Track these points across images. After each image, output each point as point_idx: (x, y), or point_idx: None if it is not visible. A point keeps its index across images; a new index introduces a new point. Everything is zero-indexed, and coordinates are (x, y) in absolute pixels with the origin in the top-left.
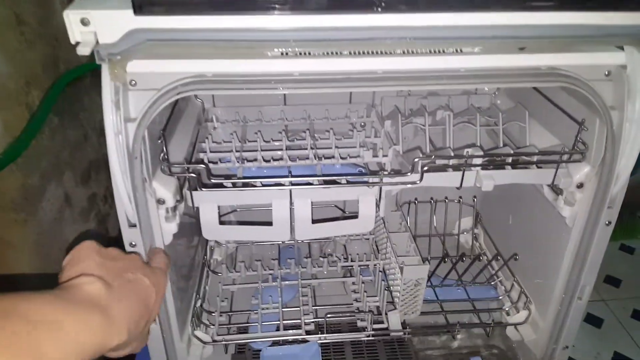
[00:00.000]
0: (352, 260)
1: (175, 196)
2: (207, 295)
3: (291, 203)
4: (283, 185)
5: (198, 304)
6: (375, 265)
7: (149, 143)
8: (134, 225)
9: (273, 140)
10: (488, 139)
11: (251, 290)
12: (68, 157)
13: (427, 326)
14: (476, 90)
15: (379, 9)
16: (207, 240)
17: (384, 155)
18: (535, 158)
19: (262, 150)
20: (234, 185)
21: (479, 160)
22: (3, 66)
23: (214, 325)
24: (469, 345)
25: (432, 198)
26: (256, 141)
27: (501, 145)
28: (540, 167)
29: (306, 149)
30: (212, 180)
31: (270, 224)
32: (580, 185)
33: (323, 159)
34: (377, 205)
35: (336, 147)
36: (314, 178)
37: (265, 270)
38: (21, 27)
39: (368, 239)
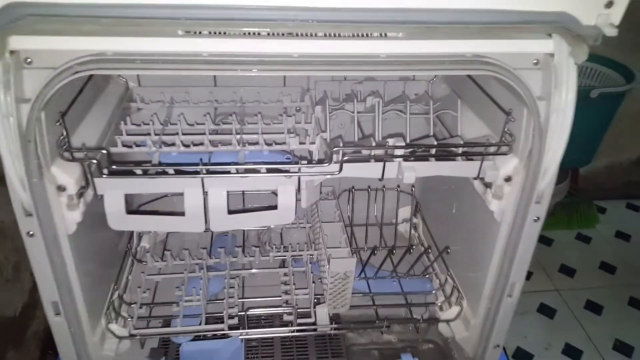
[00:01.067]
0: (285, 250)
1: (78, 182)
2: (129, 285)
3: (206, 192)
4: (197, 173)
5: (115, 296)
6: (308, 256)
7: (47, 126)
8: (30, 214)
9: (198, 124)
10: (424, 128)
11: (177, 281)
12: None
13: (355, 321)
14: (414, 76)
15: None
16: None
17: (311, 143)
18: (460, 150)
19: (183, 134)
20: (144, 172)
21: (400, 151)
22: None
23: (132, 318)
24: (405, 339)
25: (369, 186)
26: (177, 124)
27: (431, 134)
28: (470, 159)
29: (231, 133)
30: (115, 167)
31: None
32: (508, 179)
33: (247, 145)
34: (299, 195)
35: (263, 132)
36: (230, 166)
37: (193, 259)
38: None
39: (305, 227)
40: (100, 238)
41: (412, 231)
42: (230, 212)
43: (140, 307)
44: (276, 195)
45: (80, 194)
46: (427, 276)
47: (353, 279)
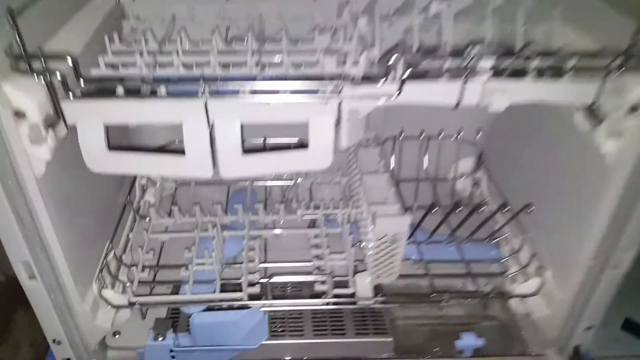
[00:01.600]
0: (316, 208)
1: (43, 108)
2: (129, 245)
3: (209, 124)
4: (198, 94)
5: (111, 256)
6: (344, 214)
7: None
8: None
9: (203, 43)
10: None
11: (187, 242)
12: None
13: (406, 294)
14: None
15: None
16: (135, 177)
17: (354, 63)
18: (571, 63)
19: (184, 54)
20: (127, 92)
21: (488, 64)
22: None
23: (131, 283)
24: (459, 315)
25: (422, 131)
26: (176, 42)
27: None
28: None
29: (246, 53)
30: (88, 85)
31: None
32: (634, 108)
33: (268, 67)
34: (338, 130)
35: (288, 52)
36: (245, 87)
37: (206, 216)
38: None
39: (339, 182)
40: (88, 186)
41: (474, 188)
42: (245, 152)
43: (142, 270)
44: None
45: (50, 125)
46: (494, 242)
47: (404, 243)
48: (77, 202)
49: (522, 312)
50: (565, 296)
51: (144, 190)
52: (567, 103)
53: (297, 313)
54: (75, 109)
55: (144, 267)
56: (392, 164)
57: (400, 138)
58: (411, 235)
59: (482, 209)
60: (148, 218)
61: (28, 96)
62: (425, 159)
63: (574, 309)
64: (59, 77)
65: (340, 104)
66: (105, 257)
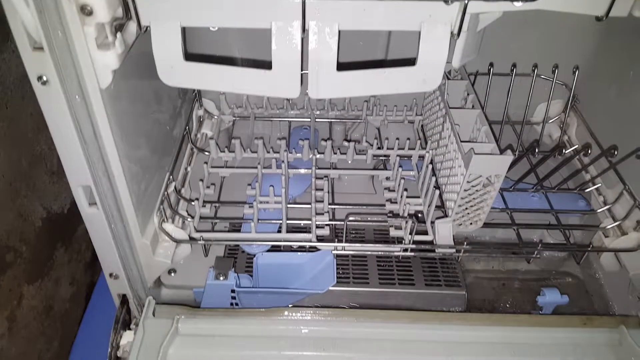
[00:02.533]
0: (389, 149)
1: (111, 5)
2: (187, 179)
3: (305, 29)
4: None
5: (172, 189)
6: (421, 156)
7: None
8: (40, 48)
9: None
10: None
11: (248, 178)
12: None
13: (491, 243)
14: None
15: None
16: (192, 108)
17: None
18: None
19: None
20: None
21: None
22: None
23: (192, 218)
24: (533, 269)
25: (514, 65)
26: None
27: None
28: None
29: None
30: None
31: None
32: None
33: None
34: (451, 45)
35: None
36: None
37: (269, 152)
38: None
39: (413, 121)
40: (149, 110)
41: (564, 133)
42: (340, 67)
43: (204, 206)
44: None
45: (117, 27)
46: (585, 191)
47: (498, 187)
48: (139, 124)
49: (614, 270)
50: None
51: (200, 123)
52: None
53: (360, 260)
54: (150, 7)
55: (204, 203)
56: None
57: (490, 71)
58: None
59: (573, 154)
60: (207, 152)
61: None
62: (507, 99)
63: None
64: None
65: (466, 5)
66: (165, 189)
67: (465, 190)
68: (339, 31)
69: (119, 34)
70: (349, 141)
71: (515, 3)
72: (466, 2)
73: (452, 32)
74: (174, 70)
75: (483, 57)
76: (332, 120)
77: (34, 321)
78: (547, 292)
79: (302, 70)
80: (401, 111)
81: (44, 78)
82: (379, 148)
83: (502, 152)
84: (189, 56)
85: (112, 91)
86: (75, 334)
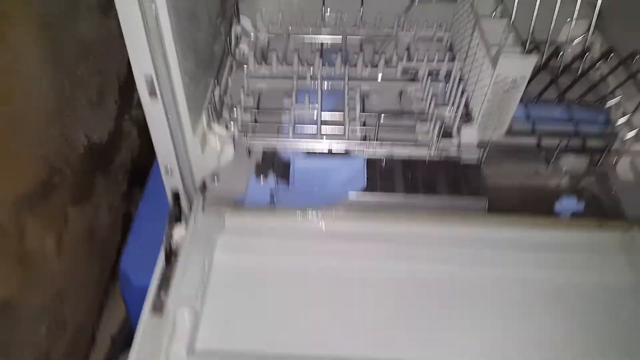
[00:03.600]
0: (418, 60)
1: None
2: (229, 89)
3: None
4: None
5: (217, 94)
6: (449, 69)
7: None
8: None
9: None
10: None
11: (284, 91)
12: None
13: (513, 148)
14: None
15: None
16: (231, 25)
17: None
18: None
19: None
20: None
21: None
22: None
23: (235, 122)
24: (556, 182)
25: None
26: None
27: None
28: None
29: None
30: None
31: None
32: None
33: None
34: None
35: None
36: None
37: (303, 65)
38: None
39: (442, 39)
40: (195, 19)
41: (588, 51)
42: None
43: (245, 112)
44: None
45: None
46: (606, 107)
47: (522, 90)
48: (190, 28)
49: (629, 180)
50: None
51: (238, 39)
52: None
53: (389, 169)
54: None
55: (245, 109)
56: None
57: None
58: None
59: (593, 63)
60: (245, 64)
61: None
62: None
63: None
64: None
65: None
66: (212, 92)
67: (493, 92)
68: None
69: None
70: (379, 54)
71: None
72: None
73: None
74: None
75: None
76: (363, 38)
77: (78, 244)
78: (565, 199)
79: None
80: (431, 27)
81: None
82: (409, 61)
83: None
84: None
85: None
86: (115, 260)
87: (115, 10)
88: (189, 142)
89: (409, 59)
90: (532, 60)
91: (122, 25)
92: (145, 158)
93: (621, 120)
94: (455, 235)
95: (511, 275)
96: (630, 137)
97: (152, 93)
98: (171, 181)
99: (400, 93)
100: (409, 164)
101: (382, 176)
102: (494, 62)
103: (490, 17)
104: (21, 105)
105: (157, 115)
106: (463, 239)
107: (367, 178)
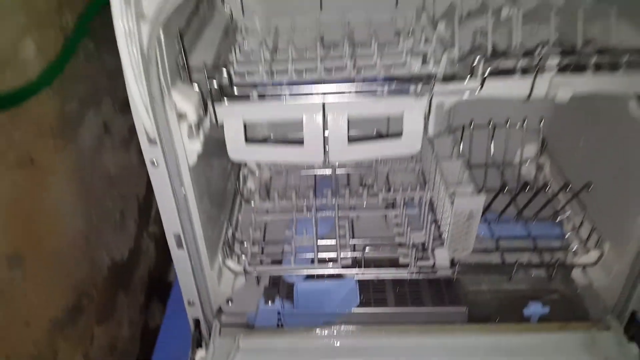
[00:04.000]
0: (395, 191)
1: (197, 110)
2: (239, 225)
3: (325, 118)
4: (315, 95)
5: (230, 233)
6: (421, 196)
7: (166, 48)
8: (154, 142)
9: (307, 50)
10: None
11: (285, 222)
12: (106, 84)
13: (480, 265)
14: None
15: None
16: (239, 168)
17: (436, 63)
18: (624, 59)
19: (293, 61)
20: (261, 97)
21: (554, 62)
22: None
23: (245, 255)
24: (525, 288)
25: (490, 120)
26: (287, 51)
27: (579, 46)
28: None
29: (343, 58)
30: (236, 90)
31: (301, 144)
32: None
33: (363, 70)
34: (425, 121)
35: (378, 56)
36: (350, 86)
37: (300, 200)
38: None
39: (414, 169)
40: (213, 175)
41: (538, 172)
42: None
43: (253, 246)
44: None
45: (199, 125)
46: (557, 220)
47: (478, 219)
48: (208, 186)
49: (584, 283)
50: (623, 266)
51: (245, 179)
52: (622, 93)
53: (380, 285)
54: (224, 110)
55: (253, 243)
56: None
57: (471, 127)
58: (482, 215)
59: (547, 189)
60: (252, 202)
61: (189, 101)
62: (493, 146)
63: (630, 277)
64: (215, 86)
65: (431, 99)
66: (226, 234)
67: (453, 223)
68: (348, 118)
69: (201, 129)
70: (363, 187)
71: (463, 97)
72: (430, 97)
73: (424, 114)
74: (240, 150)
75: (471, 113)
76: (350, 172)
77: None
78: (532, 305)
79: (324, 143)
80: (405, 160)
81: (155, 161)
82: (387, 191)
83: (480, 191)
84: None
85: (196, 167)
86: None
87: (134, 142)
88: (207, 278)
89: (388, 189)
90: (481, 198)
91: (157, 198)
92: (161, 269)
93: (569, 233)
94: (441, 344)
95: None
96: (579, 247)
97: (180, 245)
98: (193, 311)
99: (385, 216)
100: (397, 280)
101: (374, 291)
102: (452, 200)
103: (450, 157)
104: (57, 240)
105: (183, 261)
106: (448, 348)
107: (361, 294)
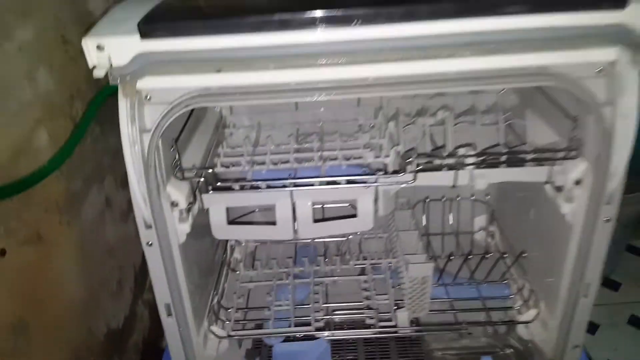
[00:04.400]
0: (364, 259)
1: (188, 199)
2: (225, 292)
3: (294, 203)
4: (285, 187)
5: (215, 301)
6: (386, 263)
7: (163, 152)
8: (150, 227)
9: (283, 144)
10: (495, 138)
11: (267, 288)
12: (109, 162)
13: (435, 324)
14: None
15: (357, 23)
16: (227, 240)
17: (385, 156)
18: (530, 156)
19: (271, 153)
20: (241, 187)
21: (471, 160)
22: (50, 83)
23: (229, 321)
24: (484, 344)
25: (443, 196)
26: (266, 145)
27: (502, 143)
28: (540, 165)
29: (312, 151)
30: (219, 184)
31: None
32: (577, 182)
33: (328, 160)
34: (376, 204)
35: (341, 149)
36: (314, 179)
37: (280, 268)
38: (66, 45)
39: (382, 237)
40: (201, 249)
41: (489, 239)
42: (315, 221)
43: (236, 312)
44: (355, 207)
45: (188, 209)
46: (504, 282)
47: (431, 283)
48: (196, 260)
49: (529, 338)
50: (555, 322)
51: (232, 250)
52: (530, 181)
53: (352, 346)
54: (210, 199)
55: (237, 309)
56: (424, 222)
57: (427, 202)
58: (439, 278)
59: (491, 255)
60: (238, 271)
61: (180, 192)
62: (451, 217)
63: (561, 331)
64: (202, 180)
65: (377, 187)
66: (211, 301)
67: (410, 287)
68: (312, 203)
69: (190, 212)
70: (338, 255)
71: (401, 186)
72: (376, 187)
73: (375, 199)
74: (222, 230)
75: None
76: (326, 240)
77: None
78: (483, 359)
79: (294, 222)
80: (373, 231)
81: (150, 242)
82: (357, 259)
83: (431, 260)
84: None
85: (184, 245)
86: None
87: (131, 214)
88: (194, 343)
89: (358, 257)
90: (430, 265)
91: (150, 273)
92: (155, 335)
93: (514, 295)
94: None
95: None
96: (522, 306)
97: (169, 314)
98: None
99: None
100: (367, 340)
101: (348, 351)
102: (407, 267)
103: (408, 229)
104: (59, 308)
105: (172, 328)
106: None
107: (336, 354)
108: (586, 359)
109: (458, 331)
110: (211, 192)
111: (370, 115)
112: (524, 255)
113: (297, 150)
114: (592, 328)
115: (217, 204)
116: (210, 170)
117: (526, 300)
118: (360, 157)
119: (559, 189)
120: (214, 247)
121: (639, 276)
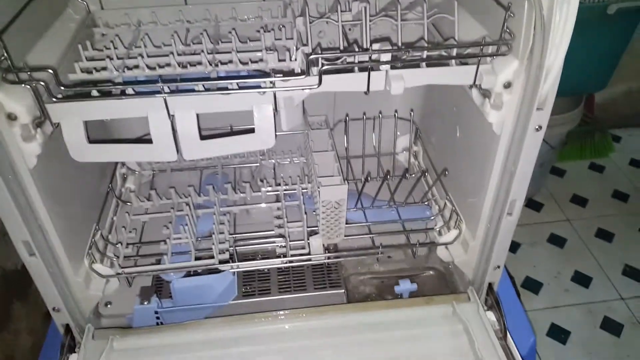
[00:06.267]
0: (278, 185)
1: (31, 111)
2: (114, 226)
3: (172, 115)
4: (159, 92)
5: (97, 236)
6: (301, 189)
7: None
8: None
9: (165, 45)
10: (419, 36)
11: (165, 221)
12: None
13: (350, 249)
14: None
15: None
16: (115, 167)
17: (293, 60)
18: (454, 52)
19: (149, 56)
20: (101, 94)
21: (387, 58)
22: None
23: (117, 257)
24: (404, 267)
25: (364, 113)
26: (140, 47)
27: (425, 39)
28: (465, 64)
29: (202, 53)
30: (62, 88)
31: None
32: (507, 85)
33: (220, 65)
34: (278, 116)
35: (238, 51)
36: (197, 84)
37: (181, 198)
38: None
39: (298, 162)
40: (75, 176)
41: (412, 159)
42: (203, 137)
43: (127, 247)
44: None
45: (38, 124)
46: (426, 203)
47: (345, 207)
48: (67, 189)
49: (449, 260)
50: (476, 242)
51: (124, 179)
52: (454, 84)
53: (265, 275)
54: (58, 110)
55: (127, 244)
56: (346, 144)
57: (347, 120)
58: (357, 202)
59: (412, 176)
60: (130, 203)
61: (18, 102)
62: (373, 137)
63: (483, 252)
64: (42, 85)
65: (275, 94)
66: (93, 237)
67: (323, 212)
68: (197, 114)
69: (39, 129)
70: (247, 182)
71: (305, 91)
72: (274, 92)
73: (274, 109)
74: (82, 151)
75: (352, 106)
76: (237, 166)
77: None
78: (401, 282)
79: (176, 140)
80: (288, 154)
81: None
82: (271, 186)
83: (345, 182)
84: (93, 140)
85: (40, 169)
86: None
87: None
88: (72, 283)
89: (271, 184)
90: (344, 187)
91: None
92: None
93: (435, 215)
94: (319, 325)
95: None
96: (442, 228)
97: (31, 253)
98: (60, 317)
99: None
100: (280, 270)
101: (259, 281)
102: (319, 189)
103: (324, 150)
104: None
105: (38, 270)
106: (325, 328)
107: (246, 286)
108: (507, 277)
109: (376, 255)
110: (57, 100)
111: (278, 14)
112: (446, 173)
113: (184, 53)
114: (514, 246)
115: (69, 117)
116: (50, 71)
117: (447, 221)
118: (260, 60)
119: (487, 94)
120: (97, 176)
121: (561, 197)
